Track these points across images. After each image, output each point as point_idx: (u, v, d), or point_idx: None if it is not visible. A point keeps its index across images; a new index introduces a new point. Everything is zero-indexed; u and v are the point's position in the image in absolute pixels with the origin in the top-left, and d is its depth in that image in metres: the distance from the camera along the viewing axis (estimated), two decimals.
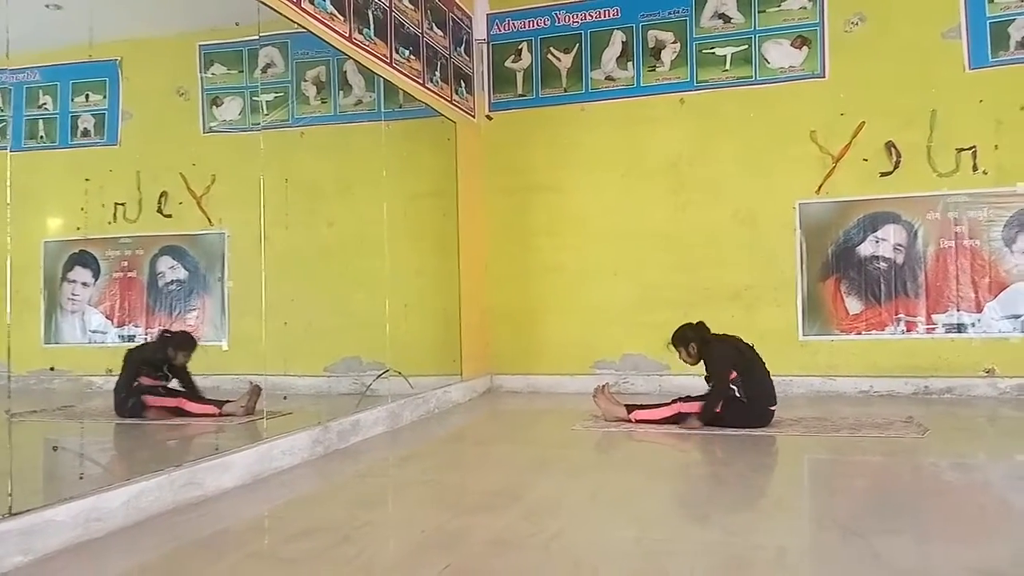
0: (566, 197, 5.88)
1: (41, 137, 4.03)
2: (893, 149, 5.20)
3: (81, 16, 3.32)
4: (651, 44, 5.73)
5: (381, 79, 4.60)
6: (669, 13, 5.68)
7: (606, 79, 5.84)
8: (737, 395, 4.03)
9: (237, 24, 3.69)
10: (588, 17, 5.87)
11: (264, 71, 4.27)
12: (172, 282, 4.40)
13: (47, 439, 3.77)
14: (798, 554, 2.18)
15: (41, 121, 4.02)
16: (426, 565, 2.10)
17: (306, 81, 4.71)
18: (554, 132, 5.91)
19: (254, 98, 4.28)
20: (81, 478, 2.82)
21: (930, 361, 5.10)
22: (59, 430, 3.82)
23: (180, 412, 4.03)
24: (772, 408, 4.04)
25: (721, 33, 5.58)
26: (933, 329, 5.12)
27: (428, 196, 5.56)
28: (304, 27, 3.78)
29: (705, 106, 5.60)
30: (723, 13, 5.57)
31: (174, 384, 4.12)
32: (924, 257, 5.16)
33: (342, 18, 4.11)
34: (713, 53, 5.59)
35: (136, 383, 3.96)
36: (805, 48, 5.39)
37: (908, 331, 5.16)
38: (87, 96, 4.09)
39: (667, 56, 5.69)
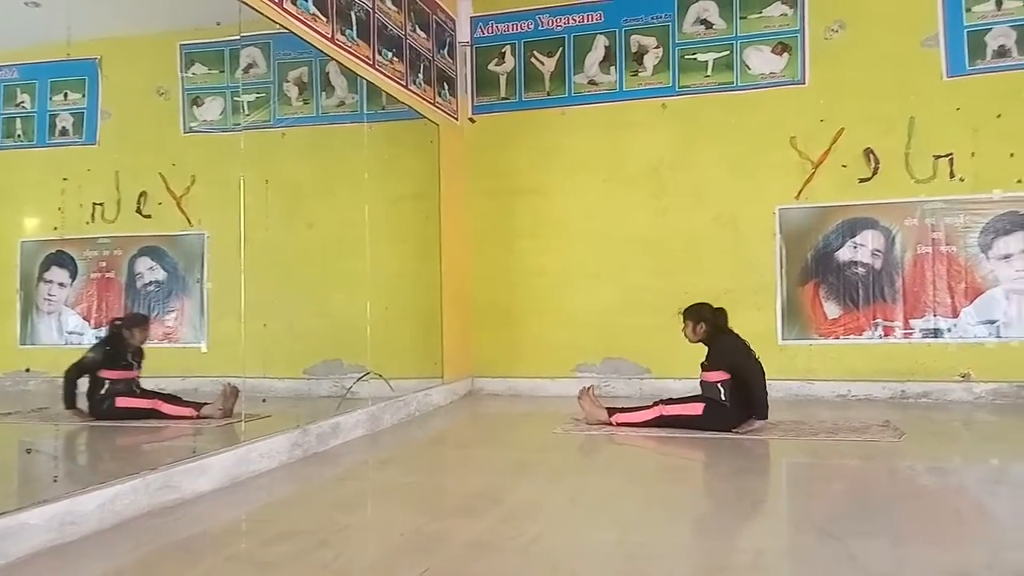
0: (549, 200, 5.89)
1: (18, 136, 3.99)
2: (872, 155, 5.25)
3: (60, 14, 3.29)
4: (634, 49, 5.76)
5: (364, 81, 4.59)
6: (652, 18, 5.71)
7: (589, 83, 5.86)
8: (722, 398, 4.03)
9: (218, 24, 3.67)
10: (571, 21, 5.89)
11: (246, 71, 4.25)
12: (151, 283, 4.36)
13: (21, 441, 3.72)
14: (776, 556, 2.19)
15: (19, 120, 3.98)
16: (404, 569, 2.09)
17: (288, 82, 4.69)
18: (537, 135, 5.92)
19: (235, 98, 4.26)
20: (55, 481, 2.78)
21: (907, 366, 5.15)
22: (33, 432, 3.77)
23: (156, 414, 3.98)
24: (758, 419, 4.05)
25: (703, 39, 5.62)
26: (910, 334, 5.17)
27: (410, 198, 5.55)
28: (286, 28, 3.76)
29: (687, 111, 5.63)
30: (705, 19, 5.61)
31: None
32: (902, 263, 5.21)
33: (324, 19, 4.10)
34: (695, 59, 5.63)
35: (104, 386, 3.88)
36: (786, 55, 5.44)
37: (885, 336, 5.21)
38: (66, 95, 4.05)
39: (649, 61, 5.72)
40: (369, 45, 4.58)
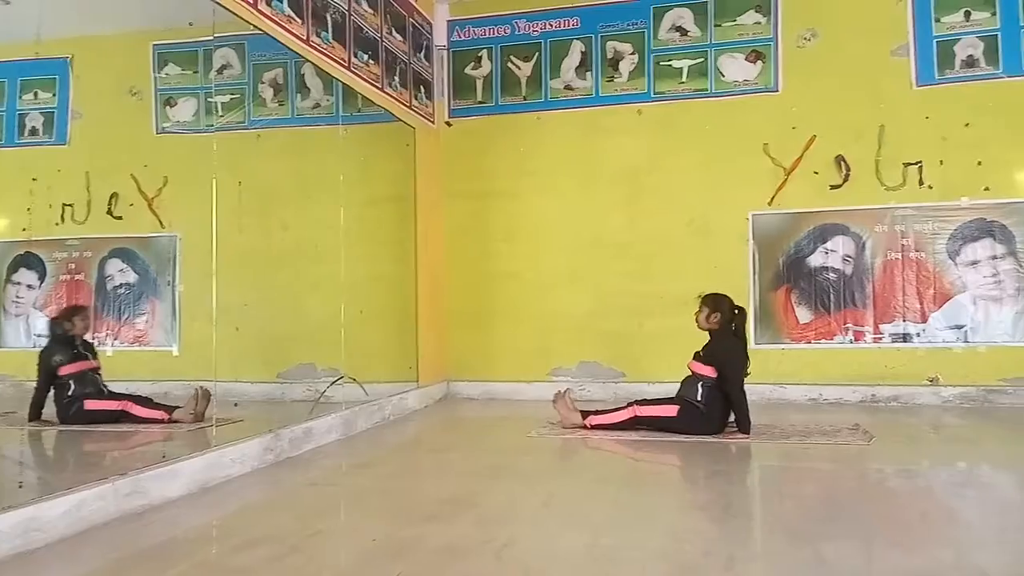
0: (525, 204, 5.90)
1: None
2: (843, 163, 5.32)
3: (30, 12, 3.25)
4: (610, 55, 5.79)
5: (339, 83, 4.58)
6: (628, 25, 5.74)
7: (565, 88, 5.88)
8: (698, 398, 4.04)
9: (191, 24, 3.64)
10: (548, 27, 5.90)
11: (220, 72, 4.21)
12: (121, 285, 4.30)
13: None
14: (746, 559, 2.21)
15: None
16: (376, 574, 2.08)
17: (263, 83, 4.66)
18: (513, 140, 5.93)
19: (209, 99, 4.22)
20: (20, 486, 2.74)
21: (877, 370, 5.22)
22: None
23: (126, 416, 3.91)
24: (729, 425, 4.06)
25: (678, 46, 5.66)
26: (880, 339, 5.24)
27: (386, 201, 5.54)
28: (260, 29, 3.74)
29: (662, 117, 5.67)
30: (680, 26, 5.65)
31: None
32: (872, 268, 5.29)
33: (299, 21, 4.07)
34: (670, 65, 5.67)
35: (70, 388, 3.80)
36: (759, 62, 5.50)
37: (856, 340, 5.28)
38: (36, 94, 3.99)
39: (625, 67, 5.75)
40: (345, 47, 4.56)
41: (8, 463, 3.24)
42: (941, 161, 5.18)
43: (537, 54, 5.94)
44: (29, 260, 3.98)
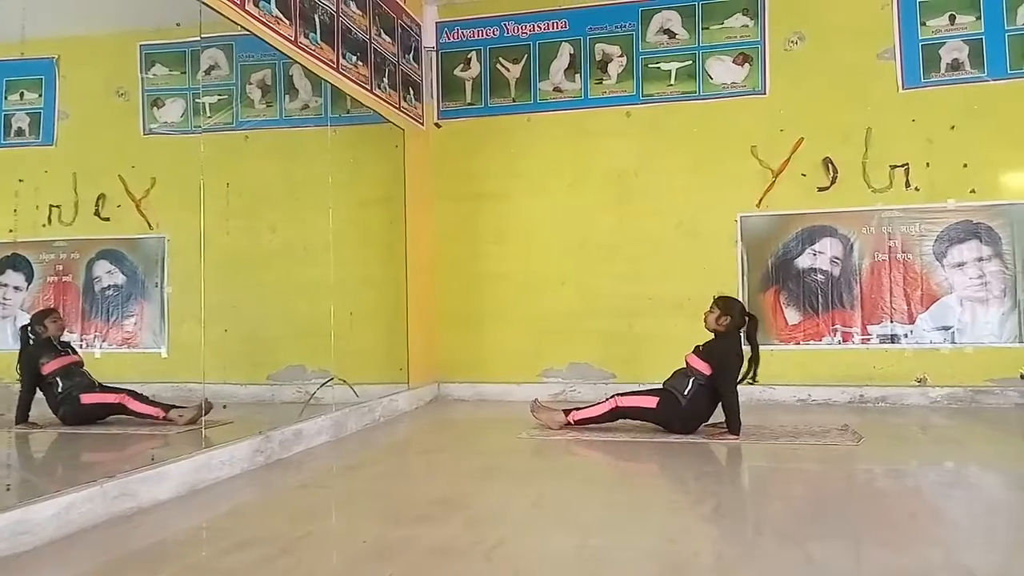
0: (514, 206, 5.90)
1: None
2: (830, 165, 5.36)
3: (14, 12, 3.22)
4: (598, 57, 5.80)
5: (328, 84, 4.57)
6: (616, 27, 5.76)
7: (554, 90, 5.89)
8: (684, 392, 4.04)
9: (178, 25, 3.62)
10: (537, 29, 5.91)
11: (207, 73, 4.20)
12: (109, 287, 4.28)
13: None
14: (735, 559, 2.22)
15: None
16: (367, 575, 2.08)
17: (251, 84, 4.64)
18: (503, 141, 5.94)
19: (196, 100, 4.20)
20: (8, 489, 2.71)
21: (865, 371, 5.26)
22: None
23: (123, 409, 3.89)
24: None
25: (666, 48, 5.68)
26: (868, 340, 5.28)
27: (375, 203, 5.53)
28: (248, 30, 3.73)
29: (650, 119, 5.69)
30: (668, 29, 5.68)
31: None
32: (859, 270, 5.32)
33: (287, 22, 4.07)
34: (658, 68, 5.69)
35: (58, 385, 3.77)
36: (747, 65, 5.53)
37: (844, 341, 5.31)
38: (22, 94, 3.96)
39: (614, 69, 5.77)
40: (333, 48, 4.56)
41: None
42: (927, 163, 5.22)
43: (526, 56, 5.95)
44: (16, 262, 3.95)
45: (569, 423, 4.25)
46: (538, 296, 5.80)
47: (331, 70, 4.53)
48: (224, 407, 3.91)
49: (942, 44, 5.24)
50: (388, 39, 5.37)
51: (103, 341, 4.26)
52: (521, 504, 2.86)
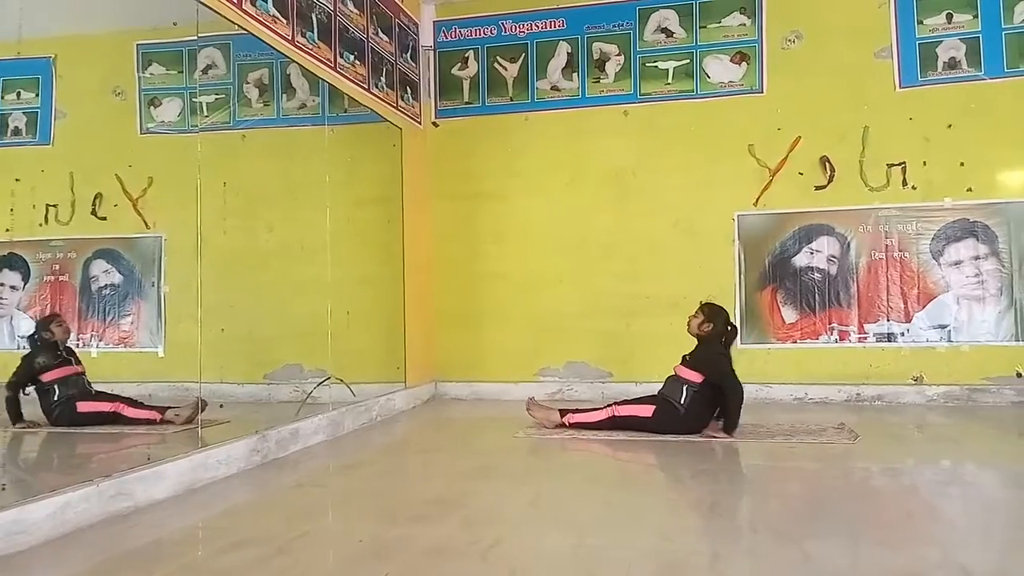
0: (511, 205, 5.90)
1: None
2: (827, 164, 5.36)
3: (11, 11, 3.22)
4: (596, 56, 5.80)
5: (325, 83, 4.56)
6: (613, 26, 5.76)
7: (552, 89, 5.89)
8: (680, 401, 4.05)
9: (175, 24, 3.62)
10: (534, 28, 5.91)
11: (204, 72, 4.19)
12: (106, 286, 4.27)
13: None
14: (732, 558, 2.22)
15: None
16: (363, 575, 2.08)
17: (248, 83, 4.64)
18: (500, 140, 5.94)
19: (194, 99, 4.19)
20: (3, 489, 2.71)
21: (861, 369, 5.26)
22: None
23: (117, 418, 3.88)
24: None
25: (664, 47, 5.69)
26: (864, 338, 5.28)
27: (372, 202, 5.52)
28: (245, 29, 3.72)
29: (648, 118, 5.69)
30: (666, 28, 5.68)
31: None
32: (856, 269, 5.33)
33: (285, 21, 4.06)
34: (656, 66, 5.69)
35: (55, 392, 3.76)
36: (744, 64, 5.53)
37: (841, 340, 5.32)
38: (18, 94, 3.96)
39: (611, 68, 5.77)
40: (331, 48, 4.55)
41: None
42: (924, 162, 5.22)
43: (523, 55, 5.95)
44: (12, 261, 3.94)
45: (564, 424, 4.25)
46: (535, 295, 5.80)
47: (328, 69, 4.53)
48: (221, 406, 3.91)
49: (939, 43, 5.25)
50: (385, 38, 5.37)
51: (100, 340, 4.25)
52: (518, 503, 2.86)
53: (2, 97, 3.91)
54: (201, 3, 3.40)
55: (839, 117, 5.34)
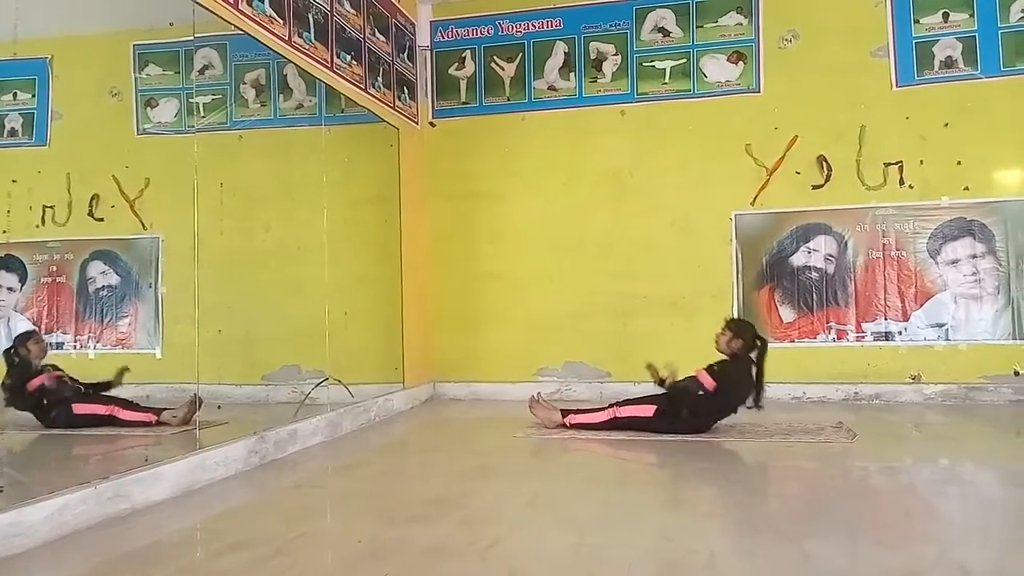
0: (509, 205, 5.90)
1: None
2: (824, 163, 5.36)
3: (8, 12, 3.21)
4: (593, 56, 5.80)
5: (322, 83, 4.56)
6: (610, 25, 5.76)
7: (549, 89, 5.89)
8: (687, 405, 4.04)
9: (171, 24, 3.61)
10: (531, 27, 5.91)
11: (201, 72, 4.19)
12: (103, 288, 4.27)
13: None
14: (730, 557, 2.22)
15: None
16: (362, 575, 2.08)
17: (245, 83, 4.63)
18: (497, 140, 5.93)
19: (190, 100, 4.19)
20: (1, 491, 2.71)
21: (859, 368, 5.27)
22: None
23: (113, 420, 3.88)
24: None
25: (661, 47, 5.69)
26: (862, 337, 5.29)
27: (370, 202, 5.52)
28: (242, 29, 3.72)
29: (645, 118, 5.69)
30: (663, 27, 5.68)
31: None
32: (854, 267, 5.33)
33: (281, 21, 4.05)
34: (653, 66, 5.69)
35: (44, 401, 3.76)
36: (741, 63, 5.53)
37: (839, 339, 5.32)
38: (15, 95, 3.95)
39: (608, 68, 5.77)
40: (327, 48, 4.55)
41: None
42: (921, 161, 5.23)
43: (520, 55, 5.95)
44: (9, 263, 3.94)
45: (566, 425, 4.25)
46: (533, 295, 5.80)
47: (325, 69, 4.53)
48: (219, 408, 3.90)
49: (935, 42, 5.25)
50: (382, 38, 5.36)
51: (97, 342, 4.25)
52: (517, 503, 2.86)
53: None
54: (197, 3, 3.40)
55: (836, 116, 5.34)
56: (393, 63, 5.53)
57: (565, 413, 4.30)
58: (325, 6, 4.52)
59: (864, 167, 5.31)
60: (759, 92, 5.50)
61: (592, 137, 5.78)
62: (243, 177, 4.55)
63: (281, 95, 4.73)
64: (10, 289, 3.97)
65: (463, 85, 6.06)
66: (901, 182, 5.26)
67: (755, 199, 5.47)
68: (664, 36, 5.68)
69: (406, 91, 5.77)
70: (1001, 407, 4.92)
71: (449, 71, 6.08)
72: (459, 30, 6.07)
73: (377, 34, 5.26)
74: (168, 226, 4.30)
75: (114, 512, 2.60)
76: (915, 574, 2.02)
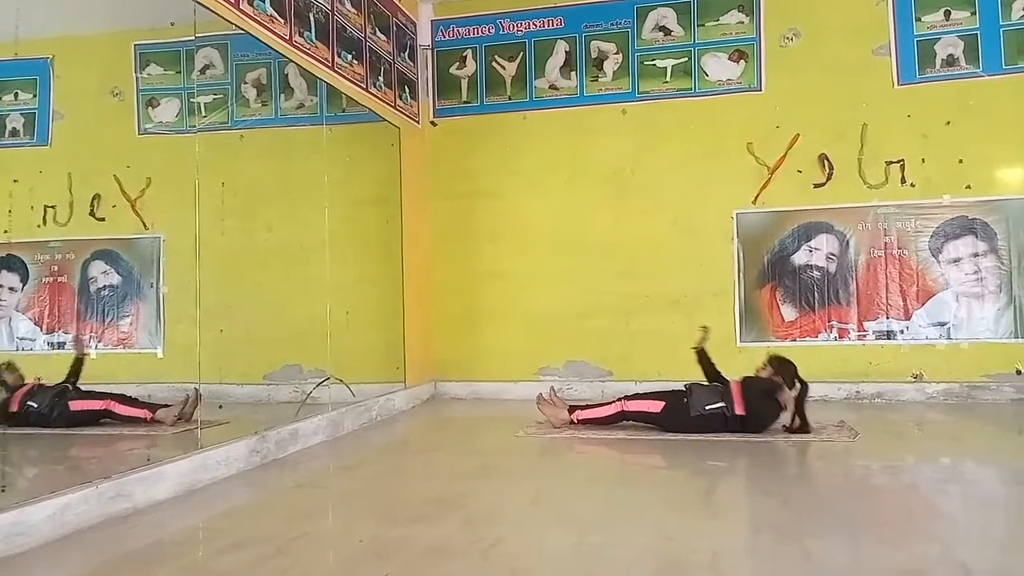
0: (511, 204, 5.90)
1: None
2: (826, 161, 5.36)
3: (9, 12, 3.21)
4: (594, 55, 5.80)
5: (323, 83, 4.56)
6: (611, 24, 5.76)
7: (550, 88, 5.88)
8: (705, 408, 4.03)
9: (172, 24, 3.61)
10: (532, 26, 5.91)
11: (202, 72, 4.19)
12: (105, 287, 4.27)
13: None
14: (733, 556, 2.22)
15: None
16: (363, 575, 2.07)
17: (246, 83, 4.63)
18: (499, 139, 5.93)
19: (191, 100, 4.19)
20: (3, 490, 2.71)
21: (861, 367, 5.26)
22: None
23: (109, 415, 3.88)
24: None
25: (662, 45, 5.68)
26: (864, 336, 5.28)
27: (371, 202, 5.52)
28: (243, 29, 3.72)
29: (646, 116, 5.68)
30: (664, 26, 5.67)
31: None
32: (855, 266, 5.32)
33: (282, 20, 4.06)
34: (654, 65, 5.69)
35: (33, 396, 3.75)
36: (743, 62, 5.53)
37: (840, 338, 5.31)
38: (16, 95, 3.95)
39: (609, 67, 5.76)
40: (328, 47, 4.55)
41: None
42: (923, 159, 5.22)
43: (521, 54, 5.94)
44: (11, 262, 3.94)
45: (573, 422, 4.25)
46: (535, 294, 5.80)
47: (326, 69, 4.53)
48: (220, 407, 3.91)
49: (937, 40, 5.24)
50: (383, 37, 5.36)
51: (99, 342, 4.25)
52: (518, 502, 2.86)
53: (0, 98, 3.90)
54: (198, 3, 3.40)
55: (837, 115, 5.34)
56: (394, 62, 5.53)
57: (572, 409, 4.30)
58: (326, 5, 4.52)
59: (866, 165, 5.31)
60: (760, 91, 5.50)
61: (593, 136, 5.77)
62: (244, 177, 4.55)
63: (282, 95, 4.73)
64: (11, 289, 3.97)
65: (464, 84, 6.06)
66: (903, 180, 5.25)
67: (756, 198, 5.46)
68: (665, 35, 5.67)
69: (407, 90, 5.77)
70: (1003, 406, 4.91)
71: (450, 70, 6.08)
72: (460, 29, 6.06)
73: (378, 33, 5.26)
74: (169, 226, 4.30)
75: (116, 511, 2.61)
76: (917, 573, 2.02)
